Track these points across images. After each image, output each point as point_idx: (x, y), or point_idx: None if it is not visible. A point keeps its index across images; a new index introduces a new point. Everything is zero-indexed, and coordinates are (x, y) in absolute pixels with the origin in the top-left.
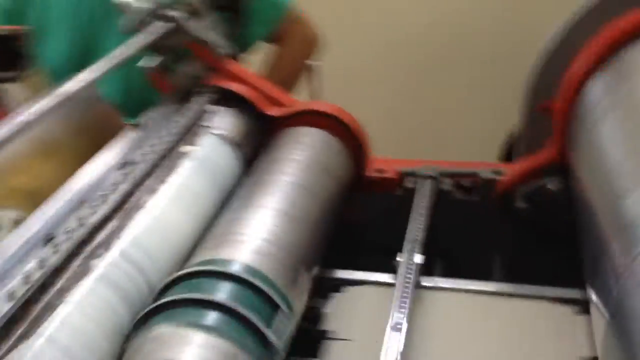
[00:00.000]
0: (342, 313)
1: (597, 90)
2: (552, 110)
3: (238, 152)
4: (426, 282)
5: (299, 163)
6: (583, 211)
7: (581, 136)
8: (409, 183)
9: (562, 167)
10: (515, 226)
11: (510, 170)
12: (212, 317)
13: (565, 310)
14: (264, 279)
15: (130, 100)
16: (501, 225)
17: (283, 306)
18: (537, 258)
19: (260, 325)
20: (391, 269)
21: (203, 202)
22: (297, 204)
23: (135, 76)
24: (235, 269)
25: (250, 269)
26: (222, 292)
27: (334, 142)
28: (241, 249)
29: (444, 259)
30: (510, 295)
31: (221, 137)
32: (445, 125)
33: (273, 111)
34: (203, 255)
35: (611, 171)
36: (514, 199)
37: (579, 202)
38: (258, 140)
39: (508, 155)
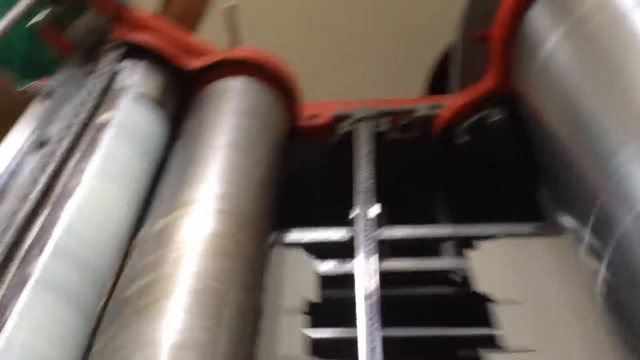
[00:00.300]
0: None
1: (543, 15)
2: (489, 38)
3: (161, 112)
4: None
5: (230, 122)
6: (548, 141)
7: (534, 64)
8: (344, 127)
9: (503, 97)
10: (457, 161)
11: (449, 104)
12: None
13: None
14: None
15: (17, 62)
16: (443, 161)
17: None
18: (481, 193)
19: None
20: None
21: (134, 172)
22: (238, 168)
23: (20, 35)
24: None
25: None
26: None
27: (263, 91)
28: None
29: (389, 204)
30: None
31: (140, 97)
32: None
33: (191, 63)
34: None
35: (582, 103)
36: (456, 133)
37: (540, 133)
38: (180, 96)
39: (434, 85)
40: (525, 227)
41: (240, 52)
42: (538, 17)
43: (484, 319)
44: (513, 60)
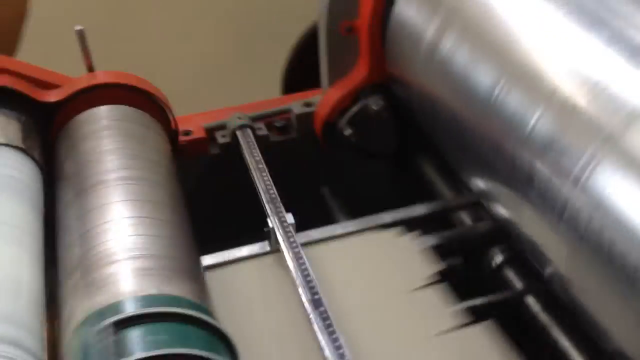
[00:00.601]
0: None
1: (414, 2)
2: (356, 29)
3: (28, 157)
4: (301, 239)
5: (116, 152)
6: (450, 121)
7: (419, 53)
8: (221, 138)
9: (379, 85)
10: (342, 155)
11: (324, 99)
12: None
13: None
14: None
15: None
16: (327, 157)
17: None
18: (370, 184)
19: None
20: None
21: (24, 228)
22: (145, 202)
23: None
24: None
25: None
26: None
27: (135, 113)
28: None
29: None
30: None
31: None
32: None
33: (48, 96)
34: (86, 301)
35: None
36: (338, 127)
37: (437, 116)
38: (45, 134)
39: (289, 82)
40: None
41: (101, 77)
42: (409, 4)
43: None
44: (388, 48)
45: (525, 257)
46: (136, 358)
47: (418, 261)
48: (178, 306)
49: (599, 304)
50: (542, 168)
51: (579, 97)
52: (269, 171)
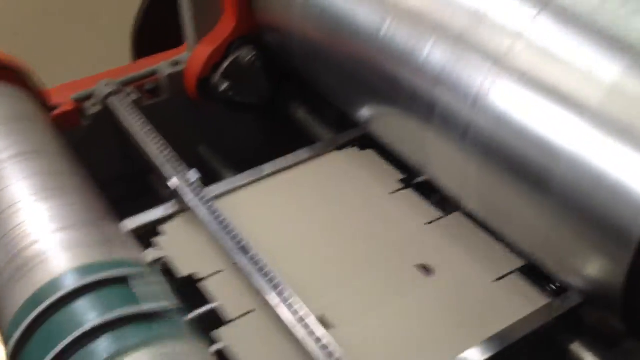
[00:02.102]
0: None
1: None
2: None
3: None
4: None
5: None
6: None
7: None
8: (93, 107)
9: (249, 36)
10: (218, 111)
11: (194, 56)
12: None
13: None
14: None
15: None
16: (201, 115)
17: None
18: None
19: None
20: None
21: None
22: (47, 177)
23: None
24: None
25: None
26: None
27: (11, 90)
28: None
29: None
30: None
31: None
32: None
33: None
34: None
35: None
36: (213, 82)
37: (321, 57)
38: None
39: (140, 45)
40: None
41: None
42: None
43: None
44: (254, 7)
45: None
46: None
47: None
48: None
49: (510, 210)
50: (441, 95)
51: (466, 25)
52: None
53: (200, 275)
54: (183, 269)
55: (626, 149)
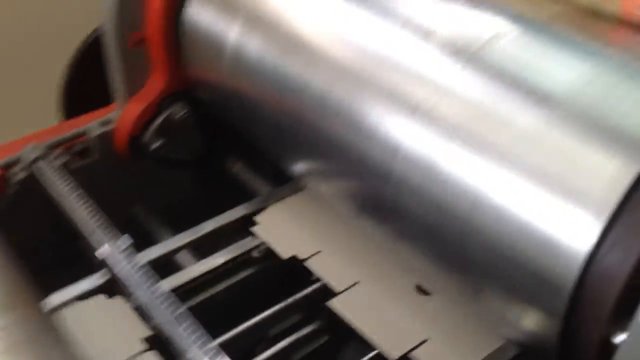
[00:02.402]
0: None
1: (205, 11)
2: (145, 40)
3: None
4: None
5: None
6: (266, 115)
7: (223, 57)
8: (20, 172)
9: (180, 92)
10: (151, 169)
11: (124, 114)
12: None
13: None
14: None
15: None
16: (134, 174)
17: None
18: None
19: None
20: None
21: None
22: None
23: None
24: None
25: None
26: None
27: None
28: None
29: None
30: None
31: None
32: None
33: None
34: None
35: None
36: (145, 140)
37: (255, 111)
38: None
39: (66, 102)
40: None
41: None
42: (203, 10)
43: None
44: (185, 55)
45: None
46: None
47: None
48: None
49: (440, 268)
50: (369, 149)
51: (393, 80)
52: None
53: None
54: None
55: (554, 198)
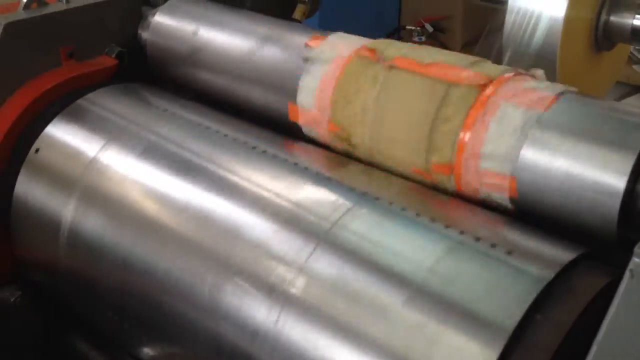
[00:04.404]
0: None
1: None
2: None
3: None
4: None
5: None
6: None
7: (58, 239)
8: None
9: (11, 274)
10: None
11: None
12: None
13: None
14: None
15: None
16: None
17: None
18: None
19: None
20: None
21: None
22: None
23: None
24: None
25: None
26: None
27: None
28: None
29: None
30: None
31: None
32: None
33: None
34: None
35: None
36: None
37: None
38: None
39: None
40: None
41: None
42: (34, 190)
43: None
44: (14, 235)
45: None
46: None
47: None
48: None
49: None
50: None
51: (245, 259)
52: None
53: None
54: None
55: None
